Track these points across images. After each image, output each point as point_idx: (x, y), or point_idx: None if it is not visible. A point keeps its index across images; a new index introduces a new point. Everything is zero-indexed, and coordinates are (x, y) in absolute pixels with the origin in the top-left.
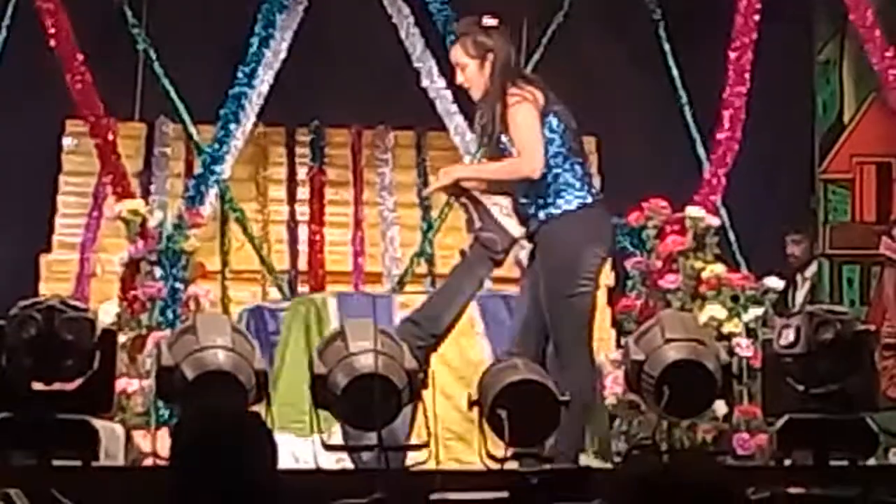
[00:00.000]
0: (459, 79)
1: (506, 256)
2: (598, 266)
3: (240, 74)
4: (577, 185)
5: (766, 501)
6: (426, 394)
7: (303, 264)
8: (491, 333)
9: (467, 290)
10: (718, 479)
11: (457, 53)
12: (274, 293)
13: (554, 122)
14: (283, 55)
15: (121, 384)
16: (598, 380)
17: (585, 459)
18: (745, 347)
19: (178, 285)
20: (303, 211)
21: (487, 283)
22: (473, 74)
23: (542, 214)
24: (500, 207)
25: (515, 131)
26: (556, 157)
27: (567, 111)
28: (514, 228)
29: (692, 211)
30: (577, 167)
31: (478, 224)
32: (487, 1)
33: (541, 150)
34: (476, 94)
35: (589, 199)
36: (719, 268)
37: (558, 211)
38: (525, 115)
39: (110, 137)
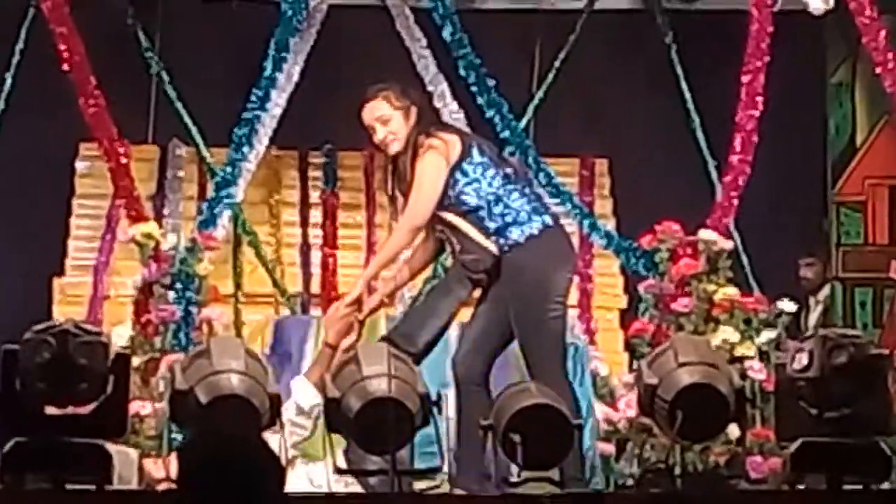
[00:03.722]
0: (380, 135)
1: (487, 276)
2: (568, 288)
3: (253, 97)
4: (533, 208)
5: None
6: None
7: (315, 287)
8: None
9: (445, 310)
10: (731, 502)
11: (381, 107)
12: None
13: (476, 154)
14: (295, 78)
15: (134, 407)
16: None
17: None
18: (758, 370)
19: (192, 308)
20: (316, 234)
21: None
22: (399, 126)
23: (503, 244)
24: (478, 228)
25: (415, 180)
26: (497, 187)
27: (488, 142)
28: (495, 247)
29: (705, 234)
30: (527, 190)
31: (458, 247)
32: (499, 25)
33: (428, 203)
34: (397, 147)
35: (549, 221)
36: (732, 291)
37: (522, 238)
38: (426, 164)
39: (123, 161)
